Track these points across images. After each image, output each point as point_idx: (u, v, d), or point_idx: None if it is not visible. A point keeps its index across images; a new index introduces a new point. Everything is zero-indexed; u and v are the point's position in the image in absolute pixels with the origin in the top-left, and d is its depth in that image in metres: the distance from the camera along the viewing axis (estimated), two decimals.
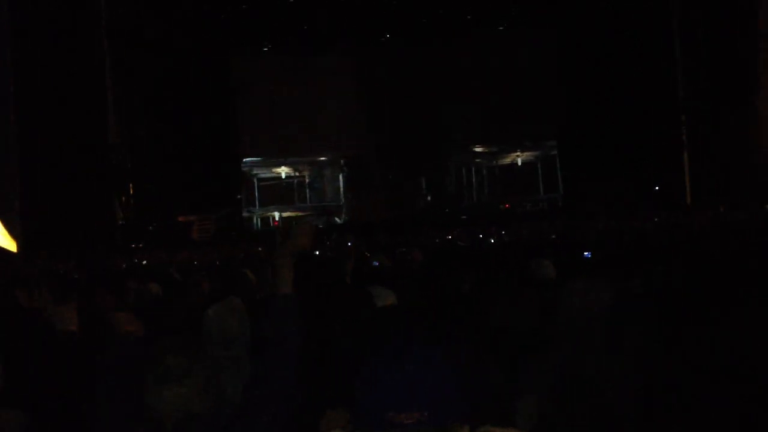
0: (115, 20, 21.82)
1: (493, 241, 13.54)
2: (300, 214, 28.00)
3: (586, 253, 8.20)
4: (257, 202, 27.64)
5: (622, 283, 4.33)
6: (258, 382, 2.45)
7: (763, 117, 21.20)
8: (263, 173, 28.11)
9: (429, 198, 27.20)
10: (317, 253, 10.97)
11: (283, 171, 28.11)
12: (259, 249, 13.05)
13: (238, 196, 26.16)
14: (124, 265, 11.85)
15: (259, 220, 27.57)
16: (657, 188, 22.94)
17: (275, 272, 2.44)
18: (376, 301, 3.71)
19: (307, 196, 28.54)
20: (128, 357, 3.07)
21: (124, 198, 22.08)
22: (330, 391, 2.68)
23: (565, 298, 3.08)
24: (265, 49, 26.29)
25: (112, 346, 3.50)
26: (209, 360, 2.85)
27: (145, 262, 12.37)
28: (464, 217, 24.39)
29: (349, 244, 13.37)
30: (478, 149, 27.80)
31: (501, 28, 26.24)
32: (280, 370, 2.46)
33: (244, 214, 26.66)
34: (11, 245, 21.62)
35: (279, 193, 28.17)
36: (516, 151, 27.99)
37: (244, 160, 26.86)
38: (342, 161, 27.90)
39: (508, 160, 28.39)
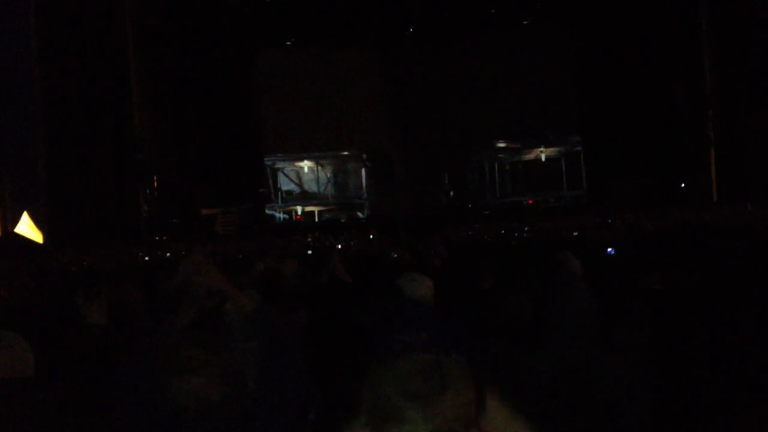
0: (140, 16, 22.01)
1: (516, 236, 13.50)
2: (322, 208, 28.06)
3: (609, 250, 8.17)
4: (280, 197, 27.73)
5: (641, 279, 4.32)
6: (273, 374, 2.48)
7: None
8: (286, 168, 28.20)
9: (451, 194, 27.13)
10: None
11: (306, 165, 28.17)
12: (279, 242, 13.13)
13: (261, 190, 26.29)
14: (146, 258, 11.96)
15: (282, 215, 27.67)
16: (683, 185, 22.72)
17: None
18: (414, 286, 3.69)
19: (330, 191, 28.59)
20: (149, 348, 3.11)
21: (148, 191, 22.29)
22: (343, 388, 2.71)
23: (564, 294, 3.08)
24: (288, 43, 26.37)
25: (134, 337, 3.54)
26: (227, 351, 2.89)
27: (168, 254, 12.48)
28: (487, 213, 24.30)
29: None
30: (501, 145, 27.67)
31: (525, 22, 26.11)
32: (292, 364, 2.49)
33: (267, 210, 26.77)
34: (38, 237, 21.93)
35: (301, 187, 28.24)
36: (539, 147, 27.83)
37: (267, 154, 26.97)
38: (364, 156, 27.92)
39: (531, 156, 28.21)
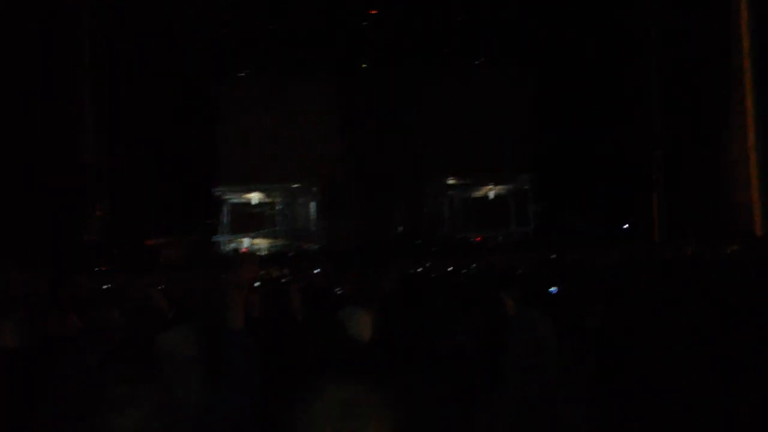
0: (93, 42, 21.78)
1: (463, 273, 13.52)
2: (271, 240, 27.85)
3: (552, 289, 8.20)
4: (227, 228, 27.45)
5: (581, 316, 4.33)
6: (212, 409, 2.40)
7: (735, 156, 21.56)
8: (235, 199, 27.97)
9: (401, 229, 27.20)
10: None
11: (255, 197, 27.98)
12: (223, 275, 12.90)
13: (209, 221, 25.99)
14: (85, 286, 11.65)
15: (228, 245, 27.37)
16: (627, 225, 23.18)
17: (225, 305, 2.42)
18: (353, 321, 3.65)
19: (279, 222, 28.43)
20: (79, 384, 2.99)
21: (93, 219, 21.85)
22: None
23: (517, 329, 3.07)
24: (242, 74, 26.31)
25: (63, 370, 3.40)
26: (162, 386, 2.78)
27: (107, 285, 12.19)
28: (435, 249, 24.41)
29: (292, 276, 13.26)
30: (452, 181, 27.92)
31: (477, 62, 26.51)
32: (233, 400, 2.41)
33: (214, 239, 26.45)
34: None
35: (251, 219, 28.01)
36: (490, 184, 28.17)
37: (216, 185, 26.73)
38: (315, 189, 27.87)
39: (481, 193, 28.54)
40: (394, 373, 2.83)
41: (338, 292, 7.34)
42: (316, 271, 14.46)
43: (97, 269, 20.18)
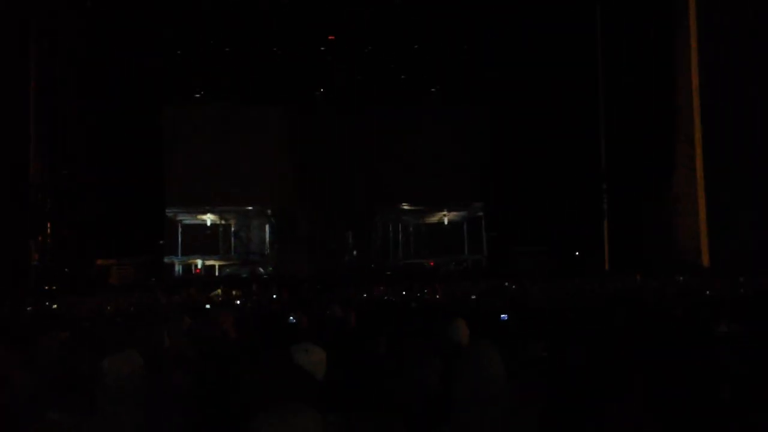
0: (44, 63, 21.50)
1: (415, 298, 13.55)
2: (223, 262, 27.59)
3: (503, 316, 8.27)
4: (179, 249, 27.11)
5: (528, 346, 4.37)
6: None
7: (682, 190, 22.08)
8: (188, 220, 27.67)
9: (354, 253, 27.18)
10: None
11: (209, 219, 27.72)
12: (174, 297, 12.76)
13: (161, 242, 25.63)
14: (29, 309, 11.37)
15: (180, 267, 27.02)
16: (576, 254, 23.52)
17: (165, 330, 2.40)
18: (306, 357, 3.64)
19: (232, 245, 28.19)
20: (13, 412, 2.92)
21: (41, 239, 21.41)
22: None
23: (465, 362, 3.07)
24: (197, 96, 26.14)
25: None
26: (102, 414, 2.74)
27: (54, 306, 11.92)
28: (389, 273, 24.43)
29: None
30: (405, 207, 28.03)
31: (433, 89, 26.75)
32: (173, 426, 2.39)
33: (166, 260, 26.09)
34: None
35: (203, 241, 27.70)
36: (443, 211, 28.36)
37: (169, 206, 26.41)
38: (269, 212, 27.73)
39: (435, 219, 28.71)
40: (344, 410, 2.82)
41: (292, 321, 7.28)
42: (272, 297, 14.36)
43: (46, 288, 19.75)
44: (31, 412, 2.45)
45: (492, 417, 3.02)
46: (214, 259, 27.53)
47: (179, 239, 27.17)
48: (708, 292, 10.78)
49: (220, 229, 28.04)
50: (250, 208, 27.73)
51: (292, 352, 3.64)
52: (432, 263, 27.13)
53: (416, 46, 24.89)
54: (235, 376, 3.47)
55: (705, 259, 21.46)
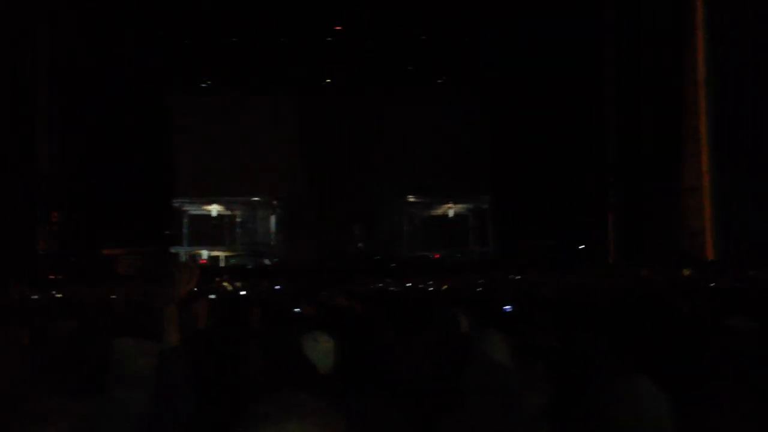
0: (53, 51, 21.49)
1: (418, 290, 13.55)
2: (229, 253, 27.64)
3: (506, 307, 8.28)
4: (186, 239, 27.16)
5: (531, 338, 4.37)
6: (152, 424, 2.38)
7: (688, 184, 22.00)
8: (194, 210, 27.71)
9: (360, 245, 27.18)
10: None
11: (215, 209, 27.76)
12: (161, 288, 12.67)
13: (167, 232, 25.70)
14: (35, 297, 11.41)
15: (187, 257, 27.09)
16: (582, 246, 23.47)
17: (163, 319, 2.41)
18: (315, 347, 3.65)
19: (238, 234, 28.23)
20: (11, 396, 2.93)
21: (48, 227, 21.46)
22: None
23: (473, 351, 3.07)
24: (204, 85, 26.15)
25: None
26: (103, 397, 2.75)
27: (60, 295, 11.95)
28: (394, 265, 24.44)
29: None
30: (412, 199, 28.02)
31: (440, 81, 26.70)
32: (172, 414, 2.39)
33: (172, 250, 26.15)
34: None
35: (209, 231, 27.76)
36: (449, 203, 28.32)
37: (176, 196, 26.46)
38: (275, 202, 27.75)
39: (440, 212, 28.68)
40: (351, 400, 2.82)
41: (297, 311, 7.28)
42: (276, 287, 14.37)
43: (52, 277, 19.81)
44: (36, 396, 2.46)
45: (500, 405, 3.02)
46: (220, 250, 27.58)
47: (186, 229, 27.23)
48: (715, 285, 10.75)
49: (227, 219, 28.08)
50: (256, 198, 27.76)
51: (302, 341, 3.66)
52: (437, 255, 27.12)
53: (423, 37, 24.82)
54: (241, 363, 3.49)
55: (711, 254, 21.41)
